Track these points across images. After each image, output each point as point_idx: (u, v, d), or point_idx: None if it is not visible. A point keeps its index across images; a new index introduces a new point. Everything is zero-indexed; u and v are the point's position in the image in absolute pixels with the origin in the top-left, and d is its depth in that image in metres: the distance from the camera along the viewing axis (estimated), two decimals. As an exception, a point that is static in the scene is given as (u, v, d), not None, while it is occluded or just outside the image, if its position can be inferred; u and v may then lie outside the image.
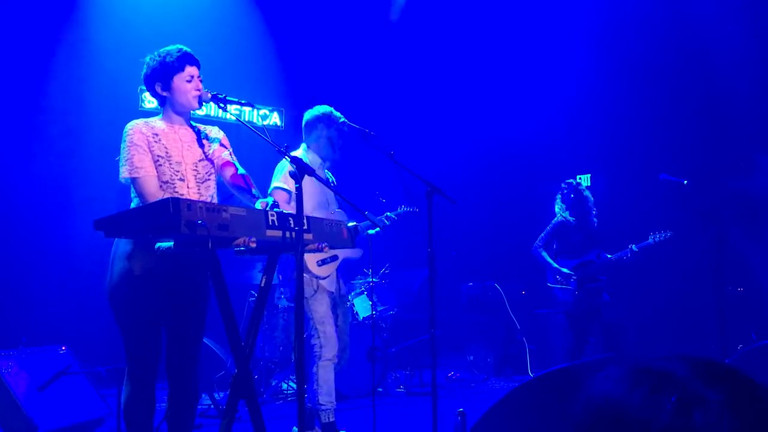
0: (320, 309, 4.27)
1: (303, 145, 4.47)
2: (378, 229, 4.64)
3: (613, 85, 7.61)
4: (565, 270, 5.68)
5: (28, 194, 6.38)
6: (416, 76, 8.49)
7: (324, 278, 4.30)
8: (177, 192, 3.06)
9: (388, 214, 4.90)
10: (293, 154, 4.24)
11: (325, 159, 4.46)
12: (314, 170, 2.85)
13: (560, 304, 5.77)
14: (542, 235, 5.85)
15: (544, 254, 5.80)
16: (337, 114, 4.41)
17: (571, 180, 6.00)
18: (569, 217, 5.77)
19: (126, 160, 3.05)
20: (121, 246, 2.98)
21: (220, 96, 3.16)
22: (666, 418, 0.82)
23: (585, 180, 7.72)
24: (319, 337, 4.24)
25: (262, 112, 8.02)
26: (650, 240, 5.55)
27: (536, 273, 6.17)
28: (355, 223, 4.42)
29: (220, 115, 7.07)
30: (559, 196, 5.88)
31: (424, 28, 8.43)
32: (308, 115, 4.46)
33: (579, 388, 0.93)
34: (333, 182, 4.58)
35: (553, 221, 5.85)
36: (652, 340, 6.63)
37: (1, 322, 5.59)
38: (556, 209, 5.87)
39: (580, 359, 5.45)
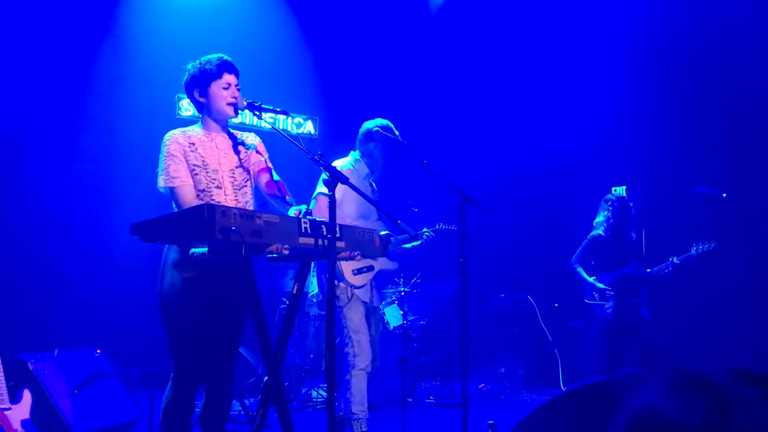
0: (355, 318, 4.27)
1: (355, 153, 4.52)
2: (416, 243, 4.66)
3: (650, 95, 7.51)
4: (601, 285, 5.59)
5: (66, 199, 6.51)
6: (450, 85, 8.47)
7: (359, 287, 4.30)
8: (214, 199, 3.10)
9: (426, 230, 4.91)
10: (339, 161, 4.34)
11: (375, 170, 4.51)
12: (348, 179, 2.86)
13: (598, 319, 5.68)
14: (578, 250, 5.78)
15: (580, 270, 5.72)
16: (397, 132, 4.48)
17: (612, 195, 5.89)
18: (603, 233, 5.69)
19: (163, 170, 3.13)
20: (171, 255, 3.04)
21: (255, 104, 3.19)
22: (703, 417, 0.81)
23: (621, 192, 7.61)
24: (353, 346, 4.23)
25: (296, 120, 8.09)
26: (693, 251, 5.39)
27: (569, 285, 6.09)
28: (388, 232, 4.41)
29: (255, 123, 7.14)
30: (604, 207, 5.74)
31: (458, 37, 8.42)
32: (366, 125, 4.52)
33: (614, 403, 0.91)
34: (376, 192, 4.61)
35: (588, 236, 5.77)
36: (689, 355, 6.49)
37: (39, 324, 5.69)
38: (598, 221, 5.75)
39: (615, 373, 5.35)
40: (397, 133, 4.48)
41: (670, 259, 5.45)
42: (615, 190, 7.20)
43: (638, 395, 0.88)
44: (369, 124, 4.51)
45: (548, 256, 6.85)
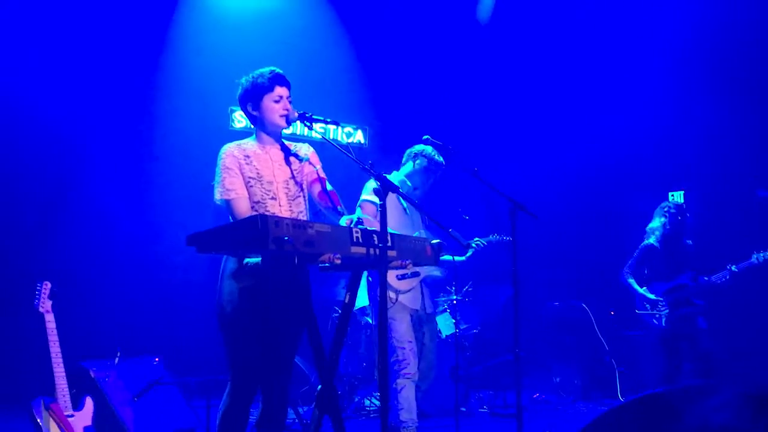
0: (400, 327, 4.28)
1: (399, 174, 4.65)
2: (469, 253, 4.67)
3: (707, 97, 7.32)
4: (651, 296, 5.47)
5: (126, 210, 6.70)
6: (502, 90, 8.42)
7: (404, 292, 4.31)
8: (269, 210, 3.15)
9: (478, 240, 4.91)
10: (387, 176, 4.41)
11: (416, 189, 4.62)
12: (398, 188, 2.87)
13: (652, 330, 5.55)
14: (630, 260, 5.66)
15: (631, 280, 5.61)
16: (439, 159, 4.60)
17: (668, 203, 5.76)
18: (655, 242, 5.56)
19: (219, 183, 3.19)
20: (229, 265, 3.10)
21: (306, 115, 3.24)
22: None
23: (678, 197, 7.43)
24: (397, 356, 4.24)
25: (346, 130, 8.16)
26: (753, 259, 5.19)
27: (624, 293, 5.97)
28: (438, 241, 4.41)
29: (306, 134, 7.24)
30: (661, 213, 5.62)
31: (509, 41, 8.36)
32: (415, 148, 4.67)
33: (675, 416, 0.89)
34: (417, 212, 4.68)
35: (640, 246, 5.65)
36: (749, 367, 6.26)
37: (101, 332, 5.86)
38: (652, 226, 5.63)
39: (675, 384, 5.22)
40: (441, 159, 4.60)
41: (728, 267, 5.27)
42: (672, 196, 7.03)
43: (699, 409, 0.86)
44: (417, 147, 4.66)
45: (603, 262, 6.73)
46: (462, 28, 8.44)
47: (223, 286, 3.10)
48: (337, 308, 6.30)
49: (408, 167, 4.63)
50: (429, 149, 4.61)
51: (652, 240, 5.60)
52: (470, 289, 6.68)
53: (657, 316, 5.46)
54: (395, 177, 4.56)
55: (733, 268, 5.25)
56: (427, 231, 4.60)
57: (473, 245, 4.85)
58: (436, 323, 6.07)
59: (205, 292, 3.82)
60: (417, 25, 8.21)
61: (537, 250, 7.37)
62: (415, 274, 4.37)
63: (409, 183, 4.58)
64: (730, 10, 7.13)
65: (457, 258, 4.68)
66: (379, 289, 2.73)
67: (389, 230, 2.73)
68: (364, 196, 4.32)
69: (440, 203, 5.69)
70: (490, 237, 5.07)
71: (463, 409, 6.18)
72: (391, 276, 4.24)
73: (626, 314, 6.50)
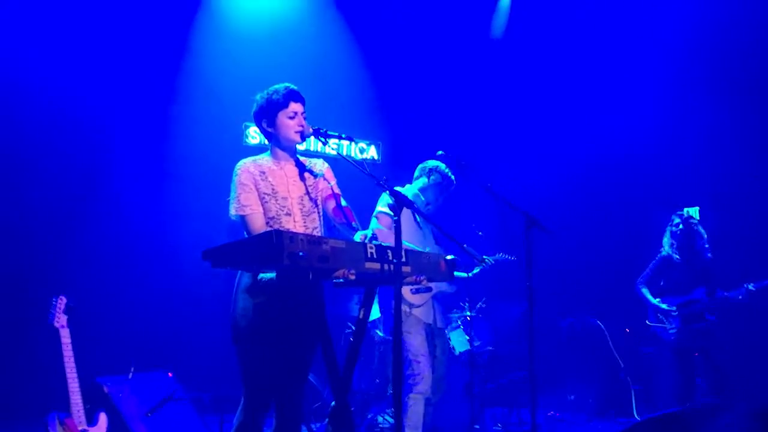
0: (415, 342, 4.27)
1: (412, 188, 4.67)
2: (476, 270, 4.68)
3: (724, 112, 7.28)
4: (664, 306, 5.42)
5: (140, 224, 6.73)
6: (515, 104, 8.41)
7: (418, 306, 4.31)
8: (283, 226, 3.17)
9: (486, 258, 4.92)
10: (400, 189, 4.44)
11: (428, 204, 4.66)
12: (413, 203, 2.88)
13: (664, 344, 5.51)
14: (645, 271, 5.63)
15: (645, 291, 5.57)
16: (452, 177, 4.67)
17: (681, 212, 5.74)
18: (674, 253, 5.52)
19: (234, 199, 3.22)
20: (243, 280, 3.11)
21: (321, 130, 3.26)
22: None
23: (694, 213, 7.39)
24: (412, 370, 4.23)
25: (360, 145, 8.19)
26: None
27: (640, 309, 5.93)
28: (453, 257, 4.42)
29: (319, 149, 7.27)
30: (669, 229, 5.62)
31: (522, 55, 8.37)
32: (427, 163, 4.72)
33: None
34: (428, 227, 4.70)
35: (657, 257, 5.62)
36: (762, 381, 6.20)
37: (114, 346, 5.88)
38: (664, 242, 5.63)
39: (689, 402, 5.17)
40: (452, 177, 4.66)
41: (745, 285, 5.21)
42: (687, 211, 6.99)
43: (713, 427, 0.85)
44: (429, 163, 4.70)
45: (619, 277, 6.68)
46: (475, 42, 8.46)
47: (237, 301, 3.11)
48: (350, 324, 6.29)
49: (421, 182, 4.65)
50: (442, 166, 4.65)
51: (669, 251, 5.56)
52: (484, 305, 6.64)
53: (668, 329, 5.41)
54: (408, 191, 4.58)
55: (751, 287, 5.18)
56: (439, 246, 4.61)
57: (488, 260, 4.87)
58: (449, 338, 6.06)
59: (220, 307, 3.84)
60: (430, 40, 8.24)
61: (551, 265, 7.33)
62: (428, 289, 4.37)
63: (422, 198, 4.59)
64: (753, 21, 7.09)
65: (460, 274, 4.70)
66: (394, 304, 2.73)
67: (405, 243, 2.74)
68: (379, 208, 4.34)
69: (453, 218, 5.68)
70: (497, 256, 5.10)
71: (477, 426, 6.13)
72: (405, 289, 4.24)
73: (641, 330, 6.46)
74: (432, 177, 4.61)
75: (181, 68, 7.23)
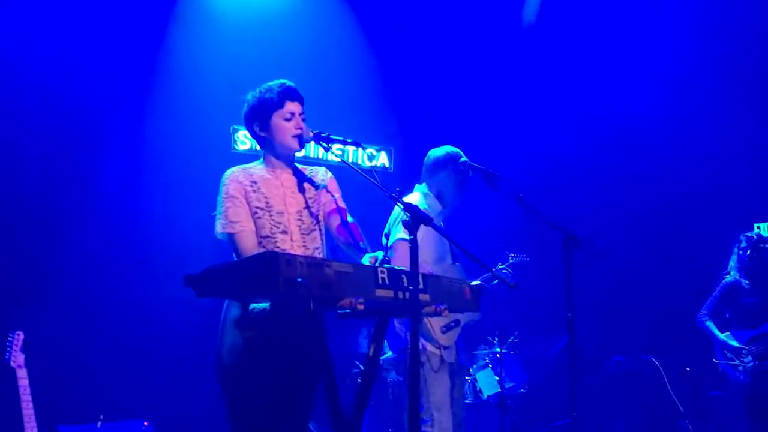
0: (438, 391, 4.22)
1: (421, 187, 4.59)
2: (495, 281, 4.65)
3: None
4: (734, 343, 5.40)
5: (110, 245, 6.71)
6: (548, 107, 8.42)
7: (448, 348, 4.27)
8: (278, 246, 3.16)
9: (501, 266, 4.92)
10: (407, 198, 4.37)
11: (447, 206, 4.56)
12: (432, 219, 2.87)
13: (733, 386, 5.47)
14: (709, 300, 5.61)
15: (709, 324, 5.55)
16: (465, 158, 4.54)
17: (750, 233, 5.72)
18: (742, 279, 5.50)
19: (221, 214, 3.21)
20: (231, 311, 3.10)
21: (322, 135, 3.27)
22: None
23: (765, 230, 7.34)
24: (432, 425, 4.18)
25: (368, 151, 8.21)
26: None
27: (704, 345, 5.89)
28: (479, 282, 4.39)
29: (320, 156, 7.28)
30: (736, 250, 5.60)
31: (554, 49, 8.38)
32: (434, 153, 4.61)
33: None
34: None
35: (721, 283, 5.59)
36: None
37: (80, 390, 5.87)
38: (731, 266, 5.61)
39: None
40: (469, 162, 4.54)
41: None
42: (758, 228, 6.96)
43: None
44: (433, 153, 4.61)
45: (677, 307, 6.64)
46: (498, 35, 8.47)
47: (224, 336, 3.11)
48: (358, 363, 6.28)
49: (433, 182, 4.56)
50: (452, 151, 4.56)
51: (736, 276, 5.53)
52: (516, 341, 6.62)
53: (740, 367, 5.38)
54: (420, 198, 4.48)
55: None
56: (458, 263, 4.55)
57: (507, 270, 4.86)
58: (475, 379, 6.02)
59: (203, 344, 3.83)
60: (447, 31, 8.26)
61: (595, 292, 7.30)
62: (457, 323, 4.33)
63: (438, 205, 4.52)
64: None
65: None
66: (410, 340, 2.71)
67: (430, 260, 2.72)
68: (399, 235, 4.23)
69: (475, 235, 5.67)
70: (510, 260, 5.10)
71: (510, 484, 6.10)
72: (437, 329, 4.20)
73: (706, 370, 6.40)
74: (444, 173, 4.52)
75: (158, 61, 7.24)
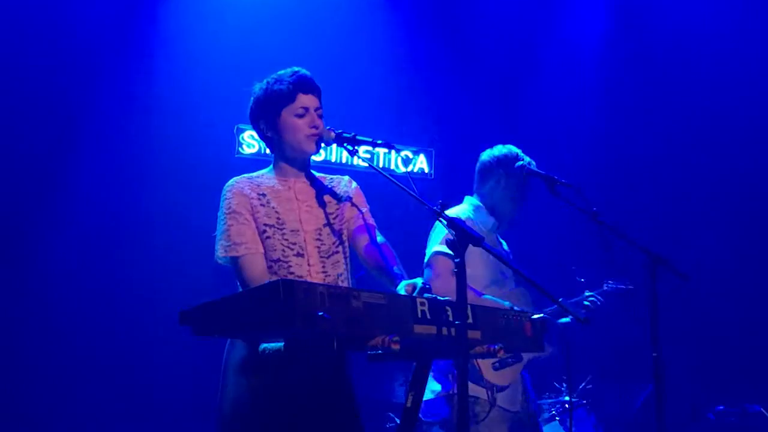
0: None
1: (472, 198, 4.60)
2: (569, 318, 4.61)
3: None
4: None
5: (93, 274, 6.81)
6: (619, 102, 8.44)
7: (504, 388, 4.23)
8: (293, 273, 3.16)
9: (589, 294, 4.88)
10: (453, 211, 4.35)
11: (502, 220, 4.54)
12: (483, 238, 2.84)
13: None
14: None
15: None
16: (527, 159, 4.53)
17: None
18: None
19: (223, 234, 3.22)
20: (235, 354, 3.11)
21: (346, 135, 3.25)
22: None
23: None
24: None
25: (403, 154, 8.20)
26: None
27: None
28: (542, 315, 4.34)
29: (345, 161, 7.29)
30: None
31: (623, 39, 8.42)
32: (485, 156, 4.62)
33: None
34: (506, 250, 4.62)
35: None
36: None
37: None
38: None
39: None
40: (528, 159, 4.53)
41: None
42: None
43: None
44: (484, 157, 4.62)
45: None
46: (555, 24, 8.51)
47: (226, 384, 3.12)
48: (393, 415, 6.26)
49: (485, 191, 4.57)
50: (507, 152, 4.55)
51: None
52: (589, 387, 6.56)
53: None
54: (468, 210, 4.47)
55: None
56: (523, 289, 4.52)
57: (587, 305, 4.85)
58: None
59: (202, 392, 3.83)
60: (498, 13, 8.30)
61: (688, 328, 7.23)
62: (517, 358, 4.27)
63: (491, 219, 4.50)
64: None
65: (562, 320, 4.64)
66: (458, 385, 2.68)
67: (481, 283, 2.68)
68: (435, 248, 4.25)
69: (542, 257, 5.63)
70: (604, 287, 5.13)
71: None
72: (486, 366, 4.16)
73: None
74: (501, 180, 4.50)
75: (156, 55, 7.35)
